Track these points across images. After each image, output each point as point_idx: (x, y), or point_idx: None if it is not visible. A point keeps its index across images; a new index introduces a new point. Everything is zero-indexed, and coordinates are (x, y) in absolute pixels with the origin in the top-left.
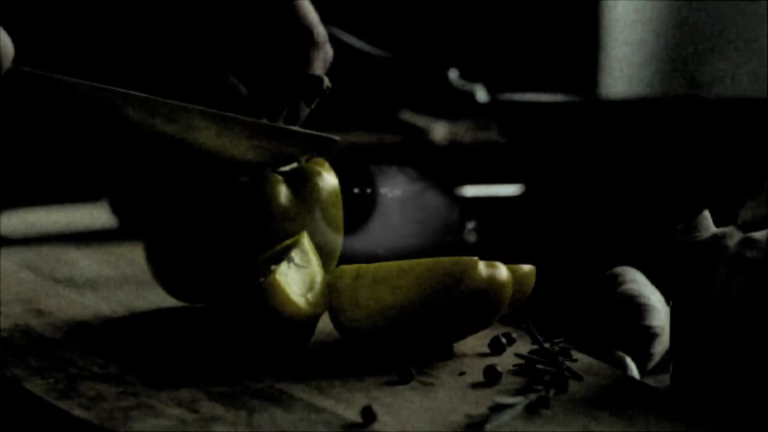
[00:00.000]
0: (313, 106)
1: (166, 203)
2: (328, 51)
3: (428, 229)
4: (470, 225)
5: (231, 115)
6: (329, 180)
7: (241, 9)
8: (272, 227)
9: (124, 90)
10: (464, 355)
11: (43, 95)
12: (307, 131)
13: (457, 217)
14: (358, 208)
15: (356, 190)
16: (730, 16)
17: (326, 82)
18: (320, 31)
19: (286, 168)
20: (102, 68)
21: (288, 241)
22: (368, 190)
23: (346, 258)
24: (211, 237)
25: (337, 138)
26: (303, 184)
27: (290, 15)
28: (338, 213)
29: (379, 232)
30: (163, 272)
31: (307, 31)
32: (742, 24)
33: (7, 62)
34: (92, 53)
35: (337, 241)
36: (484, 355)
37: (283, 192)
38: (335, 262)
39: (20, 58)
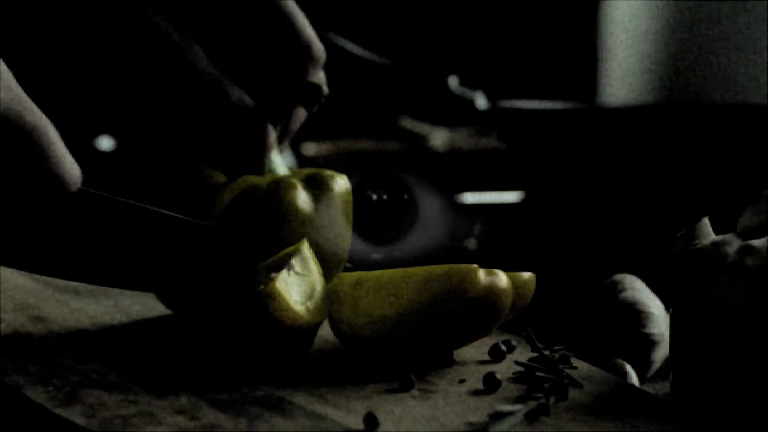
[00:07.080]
0: (313, 112)
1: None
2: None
3: (428, 237)
4: (477, 230)
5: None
6: (343, 184)
7: (238, 22)
8: (290, 231)
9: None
10: (464, 363)
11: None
12: (179, 216)
13: (456, 225)
14: (368, 215)
15: (373, 197)
16: (729, 22)
17: (325, 89)
18: (319, 47)
19: (303, 172)
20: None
21: (288, 249)
22: (375, 197)
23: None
24: (228, 242)
25: (207, 224)
26: (319, 187)
27: (289, 29)
28: (350, 217)
29: (383, 240)
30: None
31: (306, 46)
32: (741, 30)
33: (75, 186)
34: (86, 61)
35: (348, 245)
36: (483, 362)
37: (301, 196)
38: (342, 266)
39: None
